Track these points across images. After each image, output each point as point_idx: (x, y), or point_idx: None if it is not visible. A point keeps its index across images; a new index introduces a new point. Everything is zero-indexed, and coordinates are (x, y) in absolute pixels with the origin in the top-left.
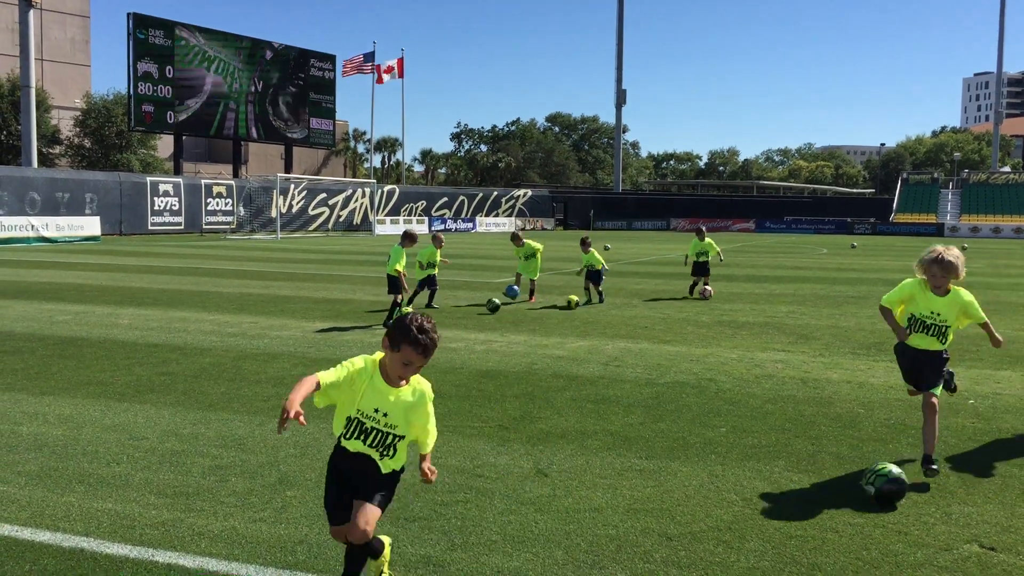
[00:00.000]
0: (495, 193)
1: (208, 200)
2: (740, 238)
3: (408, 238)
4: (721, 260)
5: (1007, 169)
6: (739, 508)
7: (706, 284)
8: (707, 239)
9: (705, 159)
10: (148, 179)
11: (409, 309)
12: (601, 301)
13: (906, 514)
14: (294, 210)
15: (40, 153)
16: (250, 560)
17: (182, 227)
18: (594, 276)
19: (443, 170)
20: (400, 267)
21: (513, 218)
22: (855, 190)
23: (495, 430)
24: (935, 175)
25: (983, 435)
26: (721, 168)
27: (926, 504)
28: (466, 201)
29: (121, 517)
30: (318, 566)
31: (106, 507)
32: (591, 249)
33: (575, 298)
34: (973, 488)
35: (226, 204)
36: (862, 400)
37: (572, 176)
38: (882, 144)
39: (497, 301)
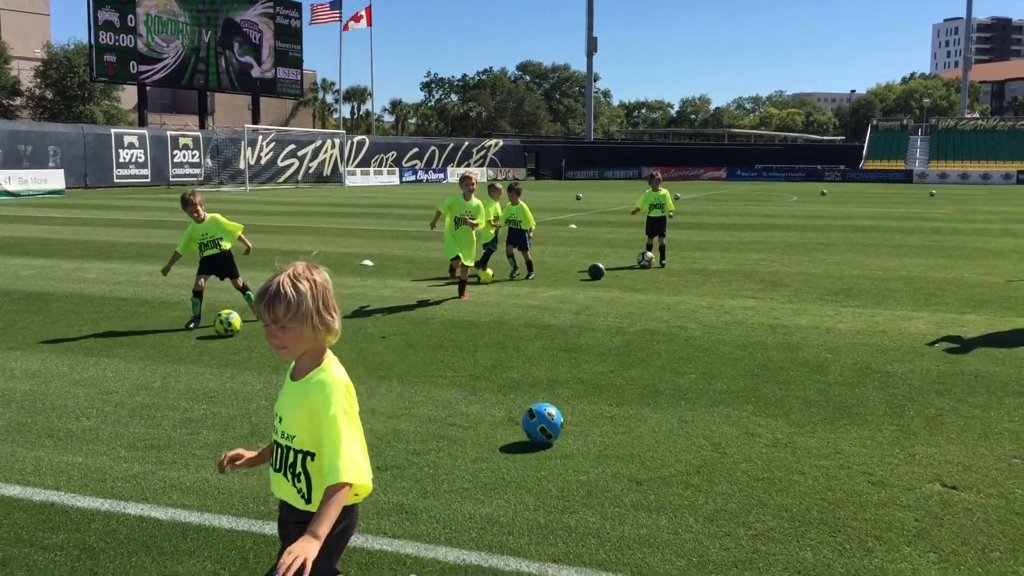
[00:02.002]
0: (466, 143)
1: (175, 152)
2: (711, 186)
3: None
4: (671, 217)
5: (975, 115)
6: (708, 452)
7: (660, 248)
8: (663, 189)
9: (677, 107)
10: (112, 131)
11: (490, 273)
12: (530, 274)
13: (871, 455)
14: (263, 162)
15: (0, 105)
16: (223, 511)
17: (148, 180)
18: (518, 238)
19: (413, 120)
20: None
21: (485, 168)
22: (825, 137)
23: (467, 380)
24: (904, 122)
25: (947, 377)
26: (693, 116)
27: (891, 446)
28: (437, 152)
29: (91, 471)
30: None
31: (76, 461)
32: (520, 200)
33: (490, 273)
34: (936, 429)
35: (193, 156)
36: (829, 345)
37: (544, 126)
38: (852, 91)
39: (601, 267)
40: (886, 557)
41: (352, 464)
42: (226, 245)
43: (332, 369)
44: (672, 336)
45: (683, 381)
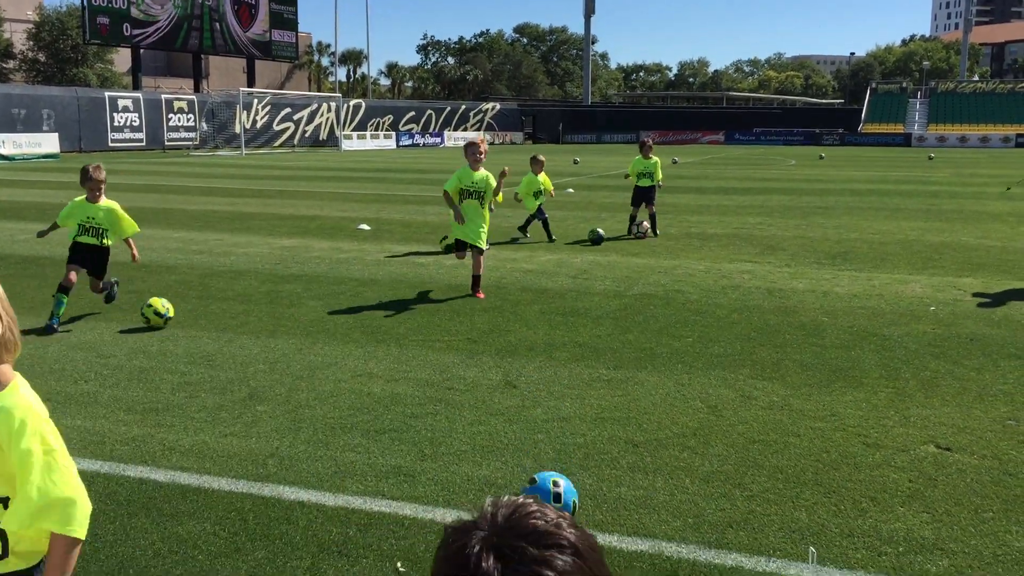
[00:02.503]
0: (463, 107)
1: (169, 116)
2: (710, 150)
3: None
4: (660, 186)
5: (975, 78)
6: (704, 415)
7: (651, 217)
8: (654, 157)
9: (675, 71)
10: (107, 94)
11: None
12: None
13: (866, 418)
14: (258, 126)
15: None
16: (221, 473)
17: (143, 144)
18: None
19: (410, 84)
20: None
21: (482, 132)
22: (824, 101)
23: (464, 343)
24: (904, 85)
25: (943, 340)
26: (691, 80)
27: (886, 408)
28: (434, 115)
29: (91, 434)
30: (289, 478)
31: (75, 424)
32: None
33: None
34: (931, 392)
35: (188, 120)
36: (826, 308)
37: (541, 89)
38: (852, 53)
39: (601, 232)
40: (880, 517)
41: (86, 516)
42: (108, 241)
43: (21, 393)
44: (669, 300)
45: (680, 344)
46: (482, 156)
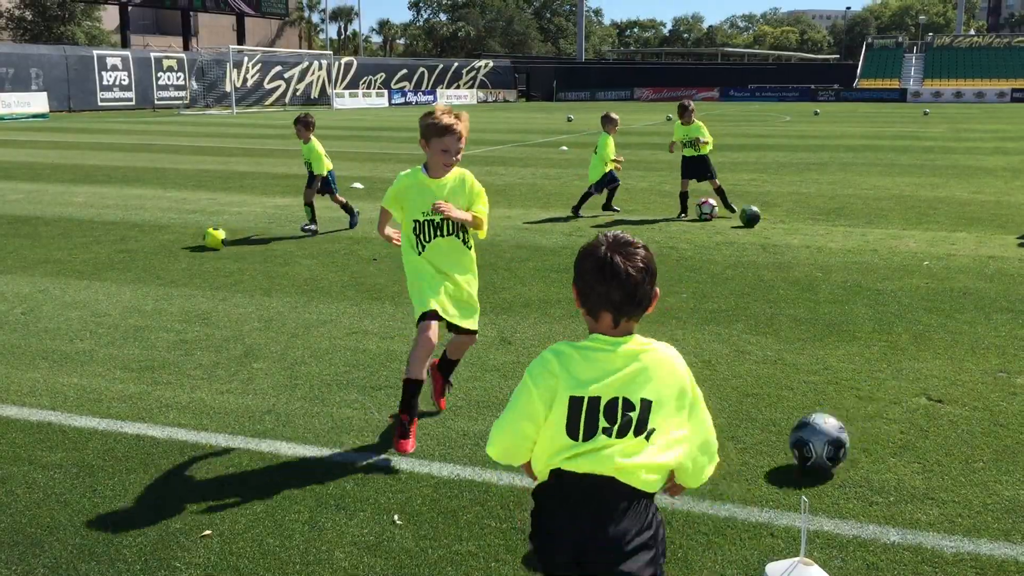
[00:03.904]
0: (456, 64)
1: (159, 74)
2: (705, 107)
3: (611, 122)
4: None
5: (971, 32)
6: (698, 370)
7: (717, 192)
8: (697, 120)
9: (669, 26)
10: (95, 52)
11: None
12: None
13: (859, 371)
14: (249, 84)
15: None
16: (219, 430)
17: (133, 103)
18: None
19: (402, 41)
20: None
21: (475, 90)
22: (820, 56)
23: None
24: (899, 39)
25: (936, 295)
26: (685, 35)
27: (878, 361)
28: (426, 73)
29: (87, 391)
30: (286, 434)
31: (71, 382)
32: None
33: (219, 235)
34: (924, 345)
35: (178, 78)
36: (820, 264)
37: (534, 46)
38: (848, 8)
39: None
40: (872, 468)
41: None
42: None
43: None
44: (664, 256)
45: (674, 300)
46: (456, 157)
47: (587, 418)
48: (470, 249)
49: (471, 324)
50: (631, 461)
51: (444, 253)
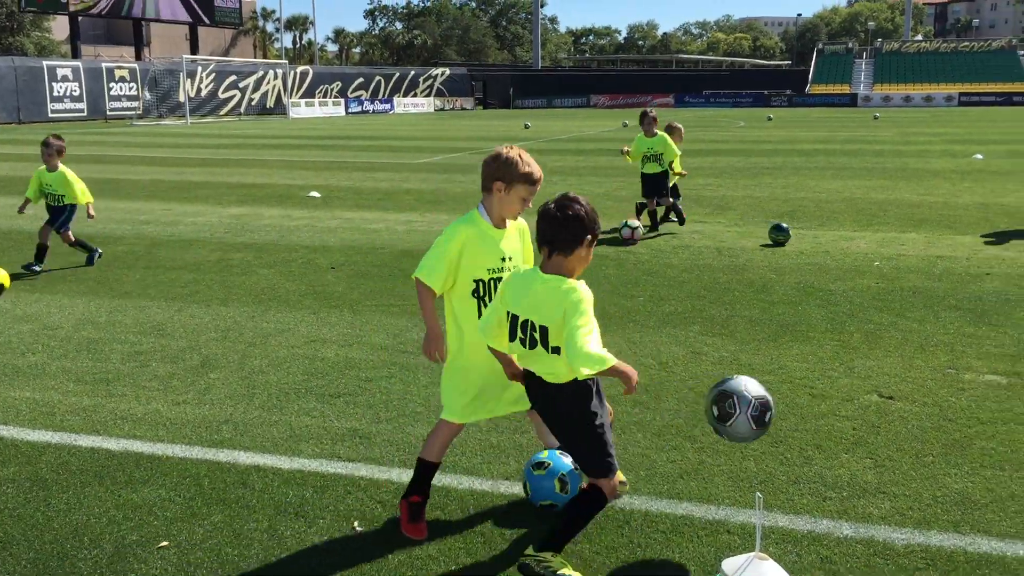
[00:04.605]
0: (412, 72)
1: (111, 85)
2: (660, 113)
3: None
4: (683, 175)
5: (919, 38)
6: (655, 371)
7: (673, 208)
8: (659, 132)
9: (624, 34)
10: (45, 63)
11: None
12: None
13: (812, 370)
14: (203, 94)
15: None
16: (175, 440)
17: (85, 114)
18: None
19: (358, 49)
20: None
21: (432, 98)
22: (772, 62)
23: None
24: (849, 45)
25: (886, 294)
26: (640, 43)
27: (831, 360)
28: (383, 81)
29: (40, 404)
30: (244, 443)
31: (24, 396)
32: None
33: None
34: (875, 343)
35: (130, 89)
36: (774, 266)
37: (490, 54)
38: (799, 15)
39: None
40: (825, 464)
41: None
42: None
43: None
44: (621, 261)
45: (632, 304)
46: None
47: (511, 329)
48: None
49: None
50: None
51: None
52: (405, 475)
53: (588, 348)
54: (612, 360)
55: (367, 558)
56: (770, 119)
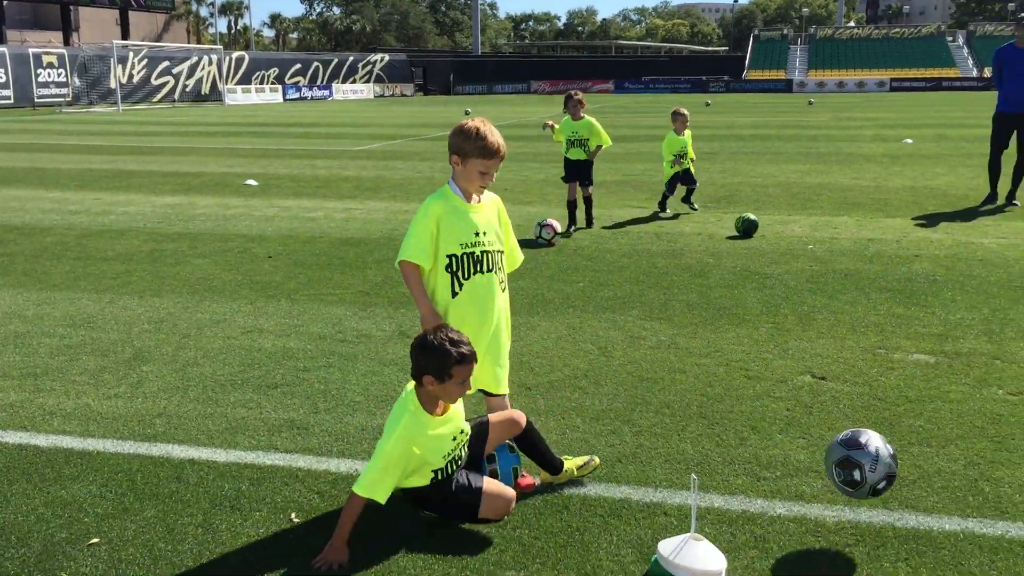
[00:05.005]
0: (351, 58)
1: (39, 71)
2: (600, 99)
3: (681, 118)
4: (592, 154)
5: (852, 24)
6: (595, 356)
7: (585, 201)
8: (585, 116)
9: (564, 20)
10: None
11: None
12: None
13: (748, 352)
14: (135, 80)
15: None
16: (106, 435)
17: (11, 101)
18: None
19: (295, 35)
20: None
21: (371, 84)
22: (710, 48)
23: (357, 296)
24: (785, 32)
25: (820, 277)
26: (580, 29)
27: (766, 342)
28: (321, 67)
29: None
30: (178, 436)
31: None
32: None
33: None
34: (808, 325)
35: (59, 75)
36: (711, 250)
37: (430, 39)
38: (735, 1)
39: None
40: (759, 445)
41: None
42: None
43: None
44: (560, 247)
45: (571, 290)
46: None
47: None
48: (505, 291)
49: (503, 387)
50: None
51: (482, 295)
52: (343, 465)
53: (364, 471)
54: (373, 495)
55: (304, 550)
56: (708, 104)
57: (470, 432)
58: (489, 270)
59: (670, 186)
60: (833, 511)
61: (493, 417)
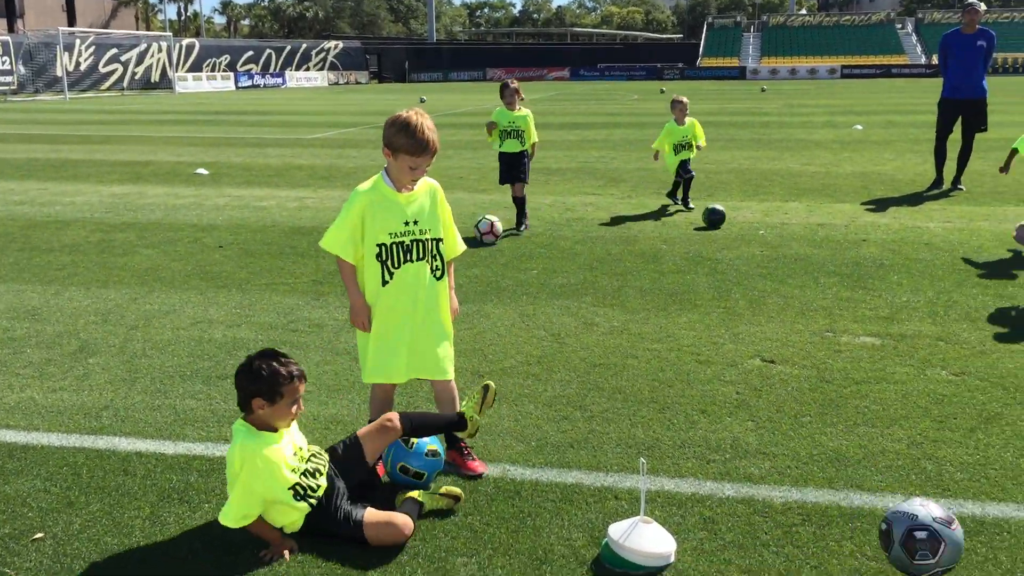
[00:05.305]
0: (304, 46)
1: None
2: (555, 86)
3: (680, 106)
4: (528, 156)
5: (804, 12)
6: (548, 343)
7: (516, 202)
8: (523, 109)
9: (519, 7)
10: None
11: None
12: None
13: (699, 337)
14: (82, 68)
15: None
16: (51, 429)
17: None
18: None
19: (247, 22)
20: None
21: (325, 72)
22: (664, 36)
23: (309, 285)
24: (738, 19)
25: (770, 262)
26: (535, 16)
27: (717, 327)
28: (273, 55)
29: None
30: (125, 429)
31: None
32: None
33: None
34: (759, 310)
35: (3, 63)
36: (664, 236)
37: (384, 27)
38: None
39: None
40: (709, 428)
41: None
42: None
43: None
44: (515, 234)
45: (525, 277)
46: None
47: None
48: (442, 279)
49: (446, 374)
50: None
51: (412, 284)
52: None
53: (225, 509)
54: (245, 522)
55: (252, 542)
56: (663, 92)
57: (335, 455)
58: (420, 259)
59: (679, 173)
60: (781, 492)
61: (361, 431)
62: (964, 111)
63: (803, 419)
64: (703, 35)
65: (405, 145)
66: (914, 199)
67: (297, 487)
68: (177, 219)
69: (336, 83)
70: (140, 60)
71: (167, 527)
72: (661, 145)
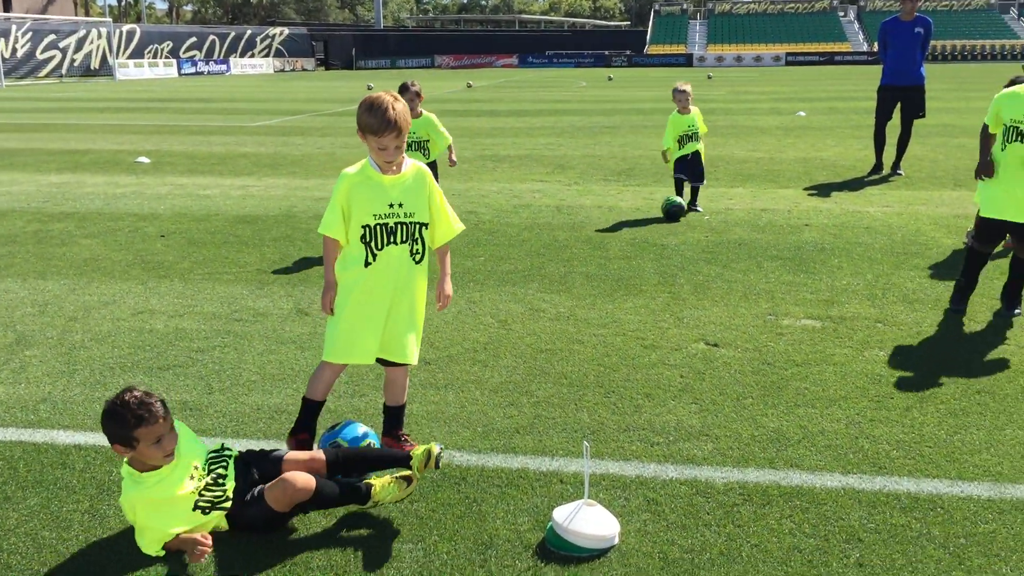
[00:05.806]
0: (249, 32)
1: None
2: (503, 74)
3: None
4: (452, 162)
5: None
6: (495, 330)
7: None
8: (425, 112)
9: None
10: None
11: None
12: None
13: (644, 322)
14: (19, 55)
15: None
16: None
17: None
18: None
19: (189, 7)
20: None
21: (271, 58)
22: (612, 23)
23: (253, 275)
24: (684, 6)
25: (715, 247)
26: (483, 3)
27: (662, 312)
28: (217, 41)
29: None
30: (64, 422)
31: None
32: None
33: None
34: (703, 294)
35: None
36: (611, 223)
37: (331, 13)
38: None
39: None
40: (653, 411)
41: None
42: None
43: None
44: (463, 222)
45: (472, 264)
46: (399, 154)
47: None
48: (422, 263)
49: (411, 359)
50: None
51: (395, 266)
52: (239, 444)
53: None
54: (161, 548)
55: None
56: (611, 79)
57: (254, 454)
58: (403, 241)
59: (678, 168)
60: (722, 472)
61: (289, 456)
62: (903, 97)
63: (745, 401)
64: (650, 22)
65: (369, 124)
66: (855, 184)
67: (200, 504)
68: (117, 208)
69: (282, 70)
70: (79, 46)
71: (107, 520)
72: (669, 142)
